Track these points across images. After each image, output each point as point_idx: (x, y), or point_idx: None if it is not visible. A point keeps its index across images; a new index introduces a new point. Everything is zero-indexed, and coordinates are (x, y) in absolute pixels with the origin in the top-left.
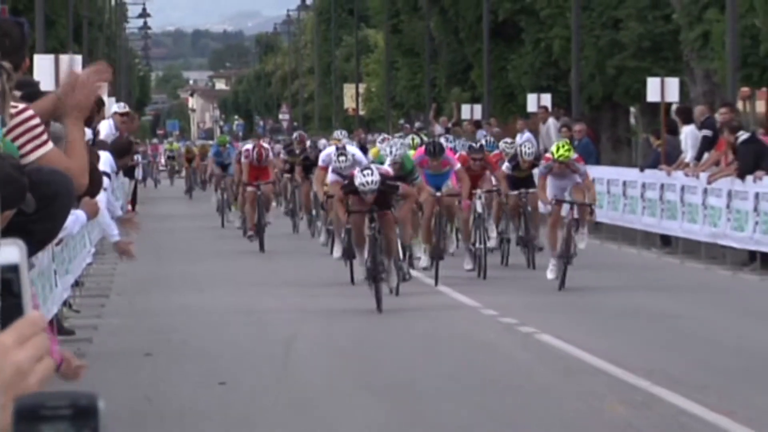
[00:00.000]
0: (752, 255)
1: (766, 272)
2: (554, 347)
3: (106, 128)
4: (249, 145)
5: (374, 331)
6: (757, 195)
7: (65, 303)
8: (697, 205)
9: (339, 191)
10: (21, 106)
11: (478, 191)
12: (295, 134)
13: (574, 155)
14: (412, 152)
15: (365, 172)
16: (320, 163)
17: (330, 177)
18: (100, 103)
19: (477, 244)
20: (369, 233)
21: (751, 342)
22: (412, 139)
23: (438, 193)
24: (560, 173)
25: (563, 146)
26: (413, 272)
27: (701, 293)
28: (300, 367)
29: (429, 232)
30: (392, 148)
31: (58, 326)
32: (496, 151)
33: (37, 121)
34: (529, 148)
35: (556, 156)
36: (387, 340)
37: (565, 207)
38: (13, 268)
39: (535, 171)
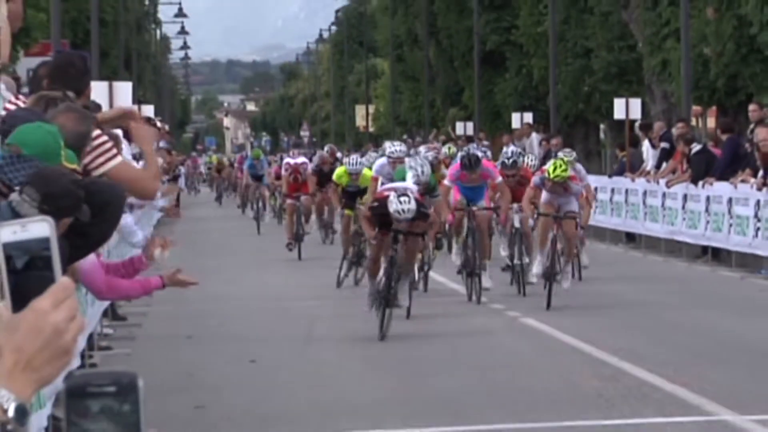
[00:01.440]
0: (704, 249)
1: (716, 264)
2: (536, 330)
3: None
4: (290, 159)
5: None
6: (708, 198)
7: None
8: (657, 207)
9: (367, 211)
10: None
11: (515, 206)
12: (326, 147)
13: (570, 173)
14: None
15: (402, 199)
16: (374, 173)
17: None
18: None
19: (515, 260)
20: (390, 253)
21: (704, 324)
22: (449, 148)
23: (474, 207)
24: (554, 190)
25: (560, 166)
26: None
27: (661, 282)
28: (318, 348)
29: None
30: (421, 167)
31: (112, 313)
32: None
33: (104, 138)
34: (532, 160)
35: (552, 176)
36: (395, 328)
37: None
38: (45, 241)
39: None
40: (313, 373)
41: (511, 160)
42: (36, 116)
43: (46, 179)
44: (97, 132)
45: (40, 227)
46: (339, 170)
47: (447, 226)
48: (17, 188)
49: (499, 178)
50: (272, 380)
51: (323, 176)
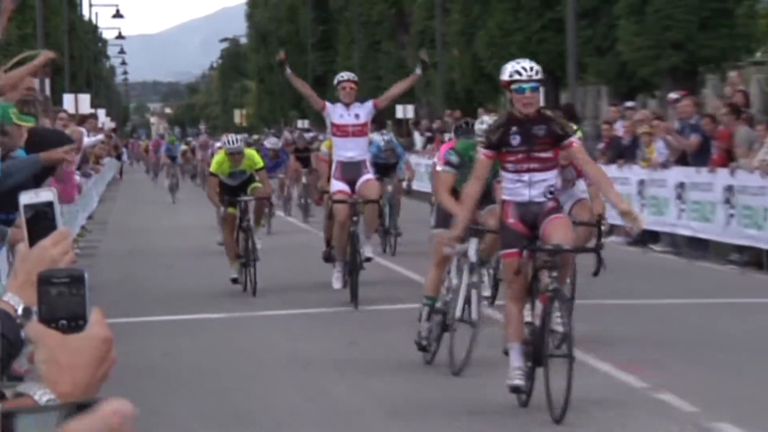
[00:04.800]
0: None
1: None
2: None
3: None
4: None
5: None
6: None
7: (83, 227)
8: (423, 174)
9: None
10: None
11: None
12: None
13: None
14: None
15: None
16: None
17: (335, 185)
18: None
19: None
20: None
21: None
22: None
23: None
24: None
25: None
26: None
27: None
28: (213, 257)
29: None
30: (383, 135)
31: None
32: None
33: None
34: None
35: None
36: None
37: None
38: (50, 204)
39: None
40: (207, 273)
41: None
42: None
43: None
44: None
45: (47, 194)
46: (218, 156)
47: None
48: None
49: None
50: (182, 276)
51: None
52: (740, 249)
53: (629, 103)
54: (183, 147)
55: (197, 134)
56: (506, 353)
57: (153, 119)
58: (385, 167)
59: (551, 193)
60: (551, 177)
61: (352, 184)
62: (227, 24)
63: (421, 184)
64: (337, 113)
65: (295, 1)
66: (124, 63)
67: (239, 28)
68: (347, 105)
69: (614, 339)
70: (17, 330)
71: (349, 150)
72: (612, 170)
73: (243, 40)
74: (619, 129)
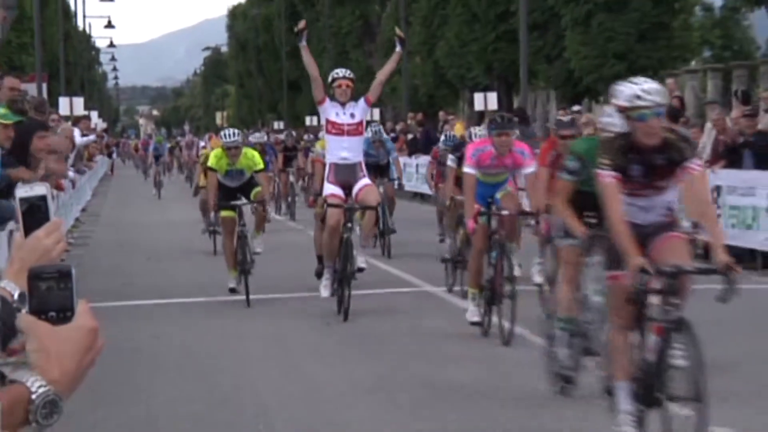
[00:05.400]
0: (417, 195)
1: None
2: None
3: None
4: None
5: (294, 256)
6: (417, 165)
7: (77, 219)
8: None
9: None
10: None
11: None
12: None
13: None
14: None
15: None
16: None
17: (328, 189)
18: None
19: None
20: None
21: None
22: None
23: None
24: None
25: None
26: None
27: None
28: (196, 253)
29: (479, 272)
30: (371, 126)
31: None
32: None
33: None
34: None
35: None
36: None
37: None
38: (43, 197)
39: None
40: (194, 263)
41: (569, 118)
42: None
43: None
44: None
45: (41, 188)
46: (216, 151)
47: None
48: None
49: (533, 167)
50: (170, 266)
51: (288, 154)
52: None
53: (576, 107)
54: (169, 145)
55: (182, 134)
56: (609, 392)
57: (141, 120)
58: (377, 168)
59: (669, 209)
60: (670, 196)
61: (346, 188)
62: (209, 34)
63: (409, 184)
64: (333, 111)
65: (271, 13)
66: (115, 69)
67: (220, 38)
68: (343, 104)
69: None
70: (13, 314)
71: (344, 149)
72: None
73: (224, 49)
74: None
